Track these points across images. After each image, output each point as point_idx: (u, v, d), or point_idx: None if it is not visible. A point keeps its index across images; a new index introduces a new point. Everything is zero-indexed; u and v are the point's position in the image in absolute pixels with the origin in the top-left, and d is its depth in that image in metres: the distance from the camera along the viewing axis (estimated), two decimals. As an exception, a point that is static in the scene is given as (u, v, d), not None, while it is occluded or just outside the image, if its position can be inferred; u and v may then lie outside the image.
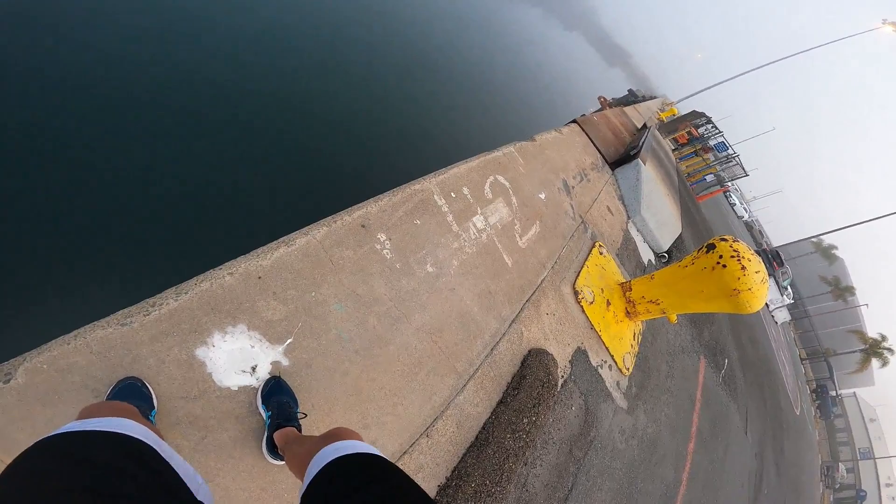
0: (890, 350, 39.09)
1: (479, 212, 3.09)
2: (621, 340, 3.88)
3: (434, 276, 2.49)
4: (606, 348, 3.67)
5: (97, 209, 5.53)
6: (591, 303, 3.71)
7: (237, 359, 1.59)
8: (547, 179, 4.29)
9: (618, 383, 3.68)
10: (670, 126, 18.62)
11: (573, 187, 4.74)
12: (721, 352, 6.59)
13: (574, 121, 6.32)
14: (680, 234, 6.58)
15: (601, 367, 3.55)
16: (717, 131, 17.01)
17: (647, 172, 6.32)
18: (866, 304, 50.30)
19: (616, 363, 3.72)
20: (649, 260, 5.56)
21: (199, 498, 0.64)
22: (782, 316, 22.29)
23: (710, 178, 15.95)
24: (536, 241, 3.56)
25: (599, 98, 14.98)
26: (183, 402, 1.44)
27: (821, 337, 47.51)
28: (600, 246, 4.37)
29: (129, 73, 7.24)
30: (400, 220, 2.46)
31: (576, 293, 3.65)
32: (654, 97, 30.96)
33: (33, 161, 5.25)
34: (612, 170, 6.15)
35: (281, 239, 1.95)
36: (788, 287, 21.49)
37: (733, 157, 16.65)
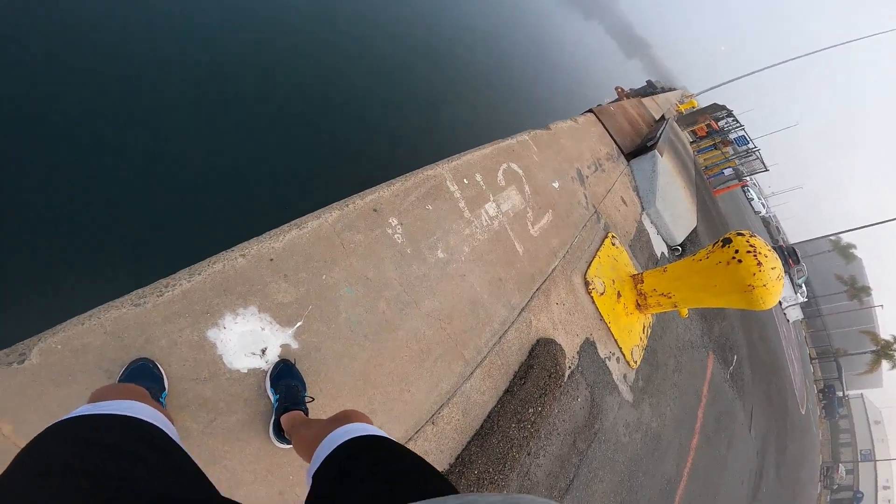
0: (901, 352, 38.51)
1: (492, 199, 3.06)
2: (630, 333, 3.86)
3: (444, 262, 2.48)
4: (615, 340, 3.65)
5: (115, 191, 5.57)
6: (602, 294, 3.67)
7: (248, 341, 1.60)
8: (561, 168, 4.22)
9: (625, 376, 3.67)
10: (689, 118, 18.16)
11: (587, 177, 4.66)
12: (731, 348, 6.53)
13: (590, 110, 6.19)
14: (695, 228, 6.46)
15: (609, 360, 3.53)
16: (737, 125, 16.53)
17: (664, 164, 6.19)
18: (881, 305, 49.44)
19: (624, 356, 3.70)
20: (662, 252, 5.48)
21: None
22: (794, 314, 21.98)
23: (728, 171, 15.55)
24: (548, 230, 3.52)
25: (617, 88, 14.69)
26: (193, 384, 1.44)
27: (832, 336, 46.92)
28: (613, 237, 4.31)
29: (152, 52, 7.23)
30: (412, 206, 2.44)
31: (586, 283, 3.62)
32: (674, 89, 30.26)
33: (51, 141, 5.29)
34: (628, 160, 6.03)
35: (293, 221, 1.94)
36: (803, 285, 21.09)
37: (754, 152, 16.20)
